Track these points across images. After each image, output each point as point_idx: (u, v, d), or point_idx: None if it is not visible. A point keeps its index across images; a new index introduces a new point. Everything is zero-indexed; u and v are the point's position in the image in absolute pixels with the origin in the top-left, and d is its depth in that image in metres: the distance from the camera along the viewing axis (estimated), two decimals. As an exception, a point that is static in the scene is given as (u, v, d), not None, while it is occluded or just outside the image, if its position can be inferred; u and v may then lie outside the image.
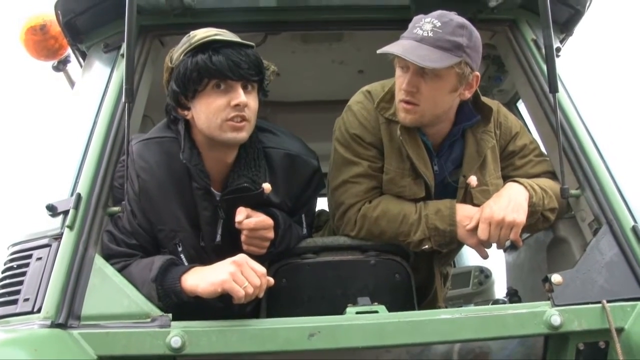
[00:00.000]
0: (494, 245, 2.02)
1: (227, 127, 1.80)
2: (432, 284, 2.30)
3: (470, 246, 2.01)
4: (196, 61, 1.77)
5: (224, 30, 1.85)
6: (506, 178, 2.14)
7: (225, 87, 1.79)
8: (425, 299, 2.30)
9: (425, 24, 1.91)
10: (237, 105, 1.78)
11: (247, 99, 1.80)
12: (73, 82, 2.69)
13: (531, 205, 1.97)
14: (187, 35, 1.86)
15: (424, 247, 2.01)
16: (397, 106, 2.01)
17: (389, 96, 2.09)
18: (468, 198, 2.09)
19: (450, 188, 2.11)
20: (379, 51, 1.92)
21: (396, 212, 2.02)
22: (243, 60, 1.78)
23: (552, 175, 2.16)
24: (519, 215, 1.92)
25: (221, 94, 1.79)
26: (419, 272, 2.23)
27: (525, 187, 1.99)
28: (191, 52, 1.79)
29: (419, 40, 1.89)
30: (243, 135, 1.83)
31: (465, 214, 1.99)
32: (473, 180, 2.05)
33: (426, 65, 1.86)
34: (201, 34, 1.82)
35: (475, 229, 1.95)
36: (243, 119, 1.81)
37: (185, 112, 1.87)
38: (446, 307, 2.44)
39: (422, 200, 2.06)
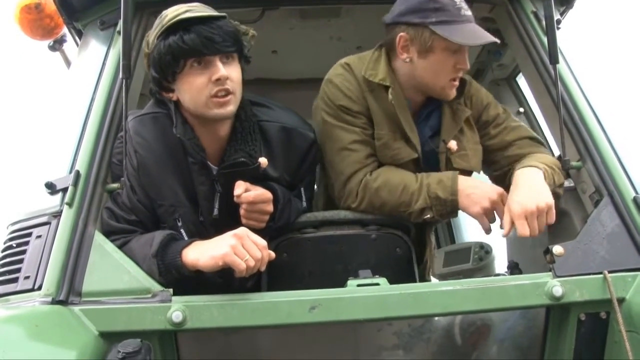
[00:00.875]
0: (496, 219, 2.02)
1: (213, 104, 1.79)
2: (423, 254, 2.33)
3: (473, 217, 1.98)
4: (168, 44, 1.74)
5: (195, 4, 1.82)
6: (483, 148, 2.20)
7: (203, 64, 1.77)
8: (419, 268, 2.32)
9: (461, 1, 2.00)
10: (218, 79, 1.76)
11: (227, 72, 1.78)
12: (69, 61, 2.66)
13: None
14: (159, 16, 1.83)
15: (425, 217, 2.00)
16: (445, 85, 2.06)
17: (372, 64, 2.14)
18: (448, 164, 2.13)
19: (430, 153, 2.15)
20: (476, 43, 2.06)
21: (397, 182, 2.02)
22: (216, 34, 1.75)
23: (530, 140, 2.18)
24: (547, 196, 1.87)
25: (201, 72, 1.77)
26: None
27: (538, 168, 1.97)
28: (162, 35, 1.77)
29: (471, 20, 2.01)
30: (230, 109, 1.81)
31: (467, 183, 1.99)
32: (453, 144, 2.10)
33: (499, 41, 2.02)
34: (171, 13, 1.79)
35: (509, 231, 1.89)
36: (227, 92, 1.79)
37: (170, 95, 1.85)
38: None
39: (416, 161, 2.10)
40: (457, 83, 2.07)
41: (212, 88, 1.77)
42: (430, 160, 2.13)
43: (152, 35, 1.81)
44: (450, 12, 1.98)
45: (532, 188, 1.90)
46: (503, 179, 2.14)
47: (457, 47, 2.00)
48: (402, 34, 2.04)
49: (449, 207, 1.99)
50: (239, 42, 1.83)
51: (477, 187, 1.98)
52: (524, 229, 1.83)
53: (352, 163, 2.08)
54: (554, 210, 1.87)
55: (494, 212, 1.95)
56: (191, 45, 1.73)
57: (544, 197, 1.86)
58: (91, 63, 2.22)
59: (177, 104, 1.88)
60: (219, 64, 1.77)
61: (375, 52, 2.16)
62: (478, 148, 2.18)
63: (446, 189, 1.98)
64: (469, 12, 2.01)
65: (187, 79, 1.78)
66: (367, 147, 2.10)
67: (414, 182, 2.02)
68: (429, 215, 2.00)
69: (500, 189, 1.97)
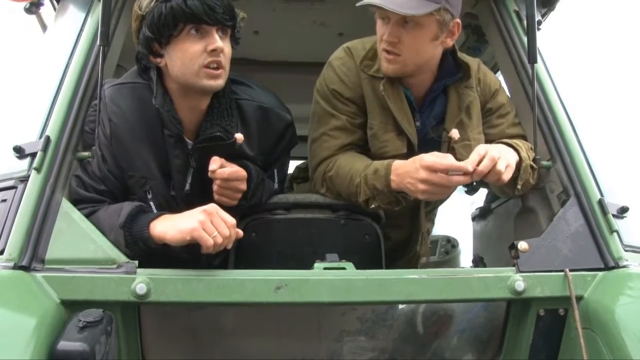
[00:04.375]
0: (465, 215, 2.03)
1: (204, 75, 1.79)
2: (414, 241, 2.29)
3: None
4: (171, 6, 1.74)
5: None
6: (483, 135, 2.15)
7: (201, 32, 1.78)
8: (406, 257, 2.32)
9: None
10: (213, 50, 1.77)
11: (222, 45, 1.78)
12: (46, 26, 2.60)
13: (523, 160, 1.95)
14: None
15: (372, 207, 1.96)
16: (380, 57, 2.01)
17: (372, 53, 2.09)
18: (451, 153, 2.04)
19: (432, 143, 2.09)
20: (358, 4, 1.94)
21: (345, 172, 2.00)
22: (218, 5, 1.77)
23: (525, 139, 2.14)
24: (511, 156, 1.89)
25: (197, 40, 1.78)
26: (400, 229, 2.24)
27: (510, 145, 1.97)
28: None
29: None
30: (219, 82, 1.82)
31: (402, 171, 1.87)
32: (455, 133, 2.00)
33: (405, 12, 1.87)
34: None
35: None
36: (219, 65, 1.80)
37: (158, 60, 1.84)
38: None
39: (404, 156, 2.00)
40: (390, 57, 1.97)
41: (206, 58, 1.78)
42: (429, 151, 1.97)
43: None
44: None
45: (500, 149, 1.89)
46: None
47: (385, 17, 1.93)
48: None
49: (392, 197, 1.93)
50: (235, 19, 1.84)
51: (406, 172, 1.84)
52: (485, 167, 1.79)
53: (326, 149, 2.08)
54: (513, 168, 1.86)
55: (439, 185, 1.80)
56: (194, 10, 1.74)
57: (509, 155, 1.86)
58: (68, 29, 2.17)
59: (160, 73, 1.87)
60: (216, 35, 1.78)
61: None
62: (481, 138, 2.11)
63: (381, 179, 1.91)
64: None
65: (181, 45, 1.78)
66: (349, 135, 2.08)
67: (360, 173, 1.97)
68: (374, 205, 1.96)
69: (424, 162, 1.79)
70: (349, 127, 2.08)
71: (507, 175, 1.85)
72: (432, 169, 1.77)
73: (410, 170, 1.83)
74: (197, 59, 1.78)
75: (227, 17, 1.79)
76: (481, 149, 1.85)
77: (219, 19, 1.77)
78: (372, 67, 2.07)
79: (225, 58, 1.82)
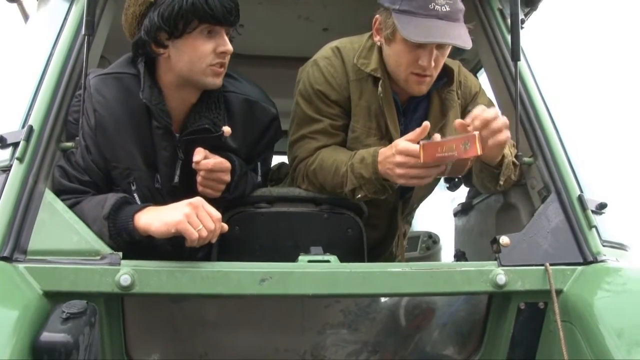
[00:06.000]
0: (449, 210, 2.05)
1: (210, 72, 1.82)
2: (390, 242, 2.31)
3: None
4: (192, 2, 1.74)
5: None
6: None
7: (212, 32, 1.79)
8: (381, 257, 2.33)
9: None
10: (222, 52, 1.80)
11: None
12: (27, 15, 2.57)
13: (505, 156, 1.96)
14: None
15: (359, 197, 1.96)
16: (407, 78, 1.99)
17: (366, 52, 2.08)
18: None
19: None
20: (423, 41, 1.88)
21: (330, 164, 2.00)
22: (233, 7, 1.79)
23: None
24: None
25: (208, 39, 1.80)
26: (376, 229, 2.24)
27: None
28: None
29: (442, 17, 1.87)
30: (220, 80, 1.85)
31: (382, 157, 1.88)
32: (437, 138, 1.99)
33: (467, 46, 1.89)
34: None
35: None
36: (222, 65, 1.82)
37: (161, 50, 1.83)
38: None
39: None
40: (424, 79, 1.97)
41: (215, 59, 1.81)
42: None
43: None
44: (416, 3, 1.87)
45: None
46: (469, 177, 2.13)
47: (419, 43, 1.89)
48: (377, 15, 2.03)
49: (379, 185, 1.92)
50: (239, 18, 1.85)
51: (385, 157, 1.86)
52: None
53: (306, 150, 2.08)
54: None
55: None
56: (214, 11, 1.75)
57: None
58: (51, 18, 2.14)
59: (149, 66, 1.86)
60: (226, 37, 1.81)
61: (369, 39, 2.10)
62: None
63: (368, 167, 1.91)
64: (445, 8, 1.87)
65: (192, 42, 1.79)
66: (330, 138, 2.08)
67: (345, 163, 1.97)
68: (360, 195, 1.95)
69: (399, 147, 1.80)
70: (330, 131, 2.07)
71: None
72: (405, 154, 1.80)
73: (388, 155, 1.85)
74: (206, 58, 1.80)
75: (237, 19, 1.82)
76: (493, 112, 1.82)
77: (232, 21, 1.80)
78: (368, 65, 2.06)
79: (228, 57, 1.84)
